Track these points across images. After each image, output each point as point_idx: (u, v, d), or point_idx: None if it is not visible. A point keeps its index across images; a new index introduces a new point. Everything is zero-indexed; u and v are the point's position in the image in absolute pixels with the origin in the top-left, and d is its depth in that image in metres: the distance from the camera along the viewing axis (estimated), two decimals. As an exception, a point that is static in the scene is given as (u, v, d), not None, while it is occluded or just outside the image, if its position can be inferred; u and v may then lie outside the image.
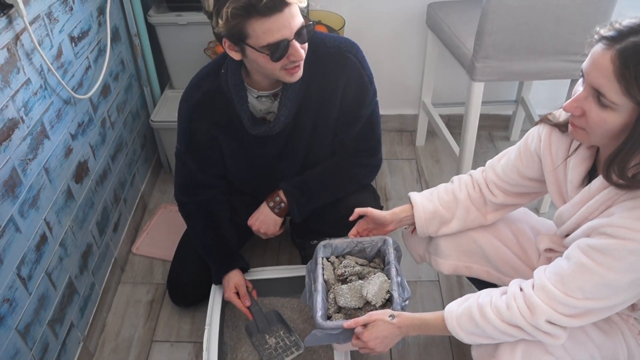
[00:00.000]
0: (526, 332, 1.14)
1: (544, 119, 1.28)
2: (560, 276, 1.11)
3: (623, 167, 1.03)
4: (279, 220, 1.72)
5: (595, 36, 1.02)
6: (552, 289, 1.11)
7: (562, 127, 1.23)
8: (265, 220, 1.72)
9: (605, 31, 1.00)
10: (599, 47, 1.00)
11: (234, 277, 1.70)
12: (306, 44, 1.40)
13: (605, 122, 1.01)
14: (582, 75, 1.04)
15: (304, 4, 1.36)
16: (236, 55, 1.41)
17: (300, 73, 1.43)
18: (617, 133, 1.03)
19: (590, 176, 1.18)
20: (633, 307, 1.21)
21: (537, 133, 1.32)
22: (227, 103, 1.56)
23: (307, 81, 1.49)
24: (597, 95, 1.00)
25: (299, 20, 1.34)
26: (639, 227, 1.01)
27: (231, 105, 1.55)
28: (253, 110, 1.58)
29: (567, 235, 1.24)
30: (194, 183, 1.75)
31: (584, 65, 1.03)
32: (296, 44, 1.35)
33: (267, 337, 1.71)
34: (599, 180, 1.12)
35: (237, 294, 1.70)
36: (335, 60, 1.54)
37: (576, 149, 1.20)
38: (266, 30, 1.30)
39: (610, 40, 0.98)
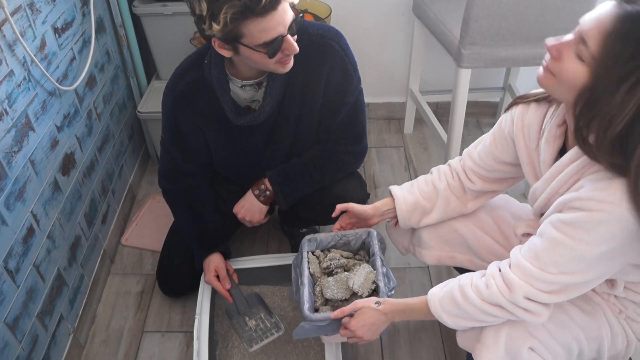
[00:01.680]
0: (506, 310, 1.15)
1: (518, 99, 1.30)
2: (535, 252, 1.12)
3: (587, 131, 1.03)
4: (264, 208, 1.73)
5: None
6: (527, 265, 1.12)
7: (538, 100, 1.25)
8: (250, 208, 1.72)
9: None
10: (609, 3, 0.98)
11: (214, 260, 1.71)
12: (295, 36, 1.40)
13: (575, 74, 1.01)
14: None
15: (297, 0, 1.36)
16: (227, 53, 1.40)
17: (292, 63, 1.44)
18: (575, 88, 1.02)
19: (561, 155, 1.19)
20: (612, 284, 1.22)
21: (510, 116, 1.33)
22: (211, 93, 1.56)
23: (291, 69, 1.49)
24: (580, 44, 0.99)
25: (290, 15, 1.35)
26: (606, 197, 1.02)
27: (215, 96, 1.55)
28: (237, 100, 1.57)
29: (542, 215, 1.25)
30: (177, 171, 1.75)
31: (585, 15, 1.01)
32: (290, 38, 1.36)
33: (247, 319, 1.71)
34: (568, 155, 1.13)
35: (218, 277, 1.71)
36: (318, 49, 1.54)
37: (548, 124, 1.21)
38: (262, 29, 1.30)
39: (623, 0, 0.97)
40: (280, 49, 1.36)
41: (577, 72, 1.01)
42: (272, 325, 1.71)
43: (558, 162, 1.16)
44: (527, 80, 2.57)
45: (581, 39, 0.99)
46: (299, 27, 1.39)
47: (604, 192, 1.02)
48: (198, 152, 1.71)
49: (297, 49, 1.39)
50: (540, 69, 1.09)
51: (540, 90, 1.27)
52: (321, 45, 1.54)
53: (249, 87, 1.55)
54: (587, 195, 1.05)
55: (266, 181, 1.69)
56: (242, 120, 1.56)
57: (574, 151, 1.12)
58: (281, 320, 1.73)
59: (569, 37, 1.03)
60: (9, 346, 1.41)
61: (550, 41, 1.05)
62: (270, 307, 1.77)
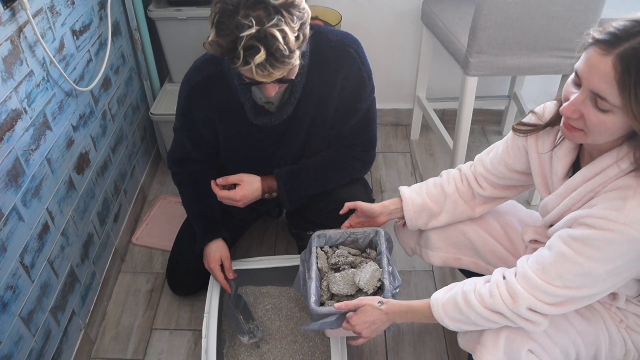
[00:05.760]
0: (508, 318, 1.17)
1: (528, 127, 1.31)
2: (542, 265, 1.14)
3: None
4: (259, 197, 1.71)
5: (589, 39, 1.01)
6: (533, 277, 1.14)
7: (550, 124, 1.26)
8: (249, 194, 1.70)
9: (599, 35, 1.00)
10: (595, 52, 0.99)
11: (221, 248, 1.74)
12: (285, 84, 1.45)
13: (605, 124, 1.02)
14: (577, 77, 1.04)
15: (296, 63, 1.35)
16: None
17: (271, 95, 1.44)
18: (615, 132, 1.05)
19: (574, 168, 1.22)
20: (614, 296, 1.24)
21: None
22: (227, 88, 1.59)
23: (308, 73, 1.52)
24: (596, 98, 1.01)
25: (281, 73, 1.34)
26: (618, 218, 1.04)
27: (231, 91, 1.58)
28: (254, 98, 1.61)
29: (551, 226, 1.27)
30: (186, 157, 1.78)
31: (580, 68, 1.03)
32: (269, 86, 1.39)
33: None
34: (582, 173, 1.15)
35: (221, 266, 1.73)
36: (336, 54, 1.56)
37: (561, 140, 1.22)
38: (241, 70, 1.35)
39: (607, 45, 0.98)
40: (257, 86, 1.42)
41: (607, 121, 1.02)
42: (248, 330, 1.71)
43: (571, 179, 1.17)
44: (532, 89, 2.60)
45: (593, 95, 1.01)
46: (293, 78, 1.43)
47: (617, 212, 1.04)
48: (207, 142, 1.74)
49: (272, 95, 1.43)
50: (565, 129, 1.10)
51: (543, 111, 1.30)
52: (339, 51, 1.56)
53: None
54: (600, 214, 1.06)
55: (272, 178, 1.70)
56: (259, 119, 1.60)
57: (587, 170, 1.14)
58: (282, 320, 1.75)
59: (578, 95, 1.04)
60: (23, 339, 1.44)
61: (566, 108, 1.06)
62: (252, 312, 1.78)
